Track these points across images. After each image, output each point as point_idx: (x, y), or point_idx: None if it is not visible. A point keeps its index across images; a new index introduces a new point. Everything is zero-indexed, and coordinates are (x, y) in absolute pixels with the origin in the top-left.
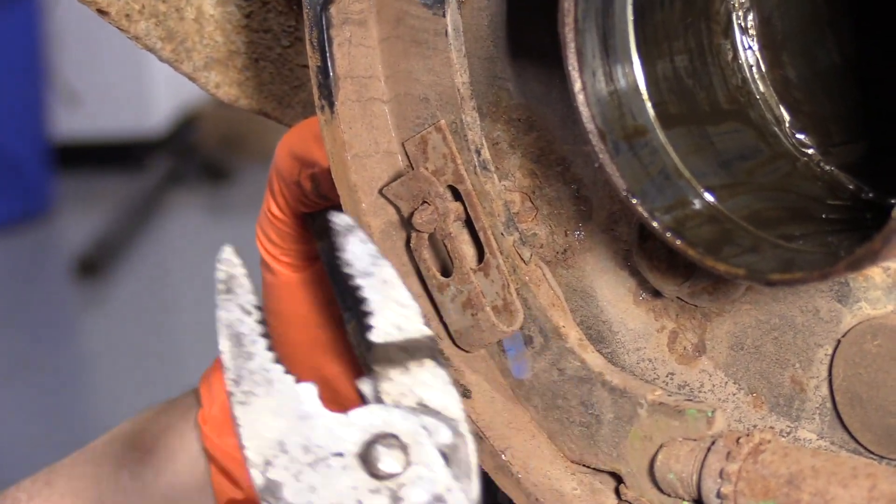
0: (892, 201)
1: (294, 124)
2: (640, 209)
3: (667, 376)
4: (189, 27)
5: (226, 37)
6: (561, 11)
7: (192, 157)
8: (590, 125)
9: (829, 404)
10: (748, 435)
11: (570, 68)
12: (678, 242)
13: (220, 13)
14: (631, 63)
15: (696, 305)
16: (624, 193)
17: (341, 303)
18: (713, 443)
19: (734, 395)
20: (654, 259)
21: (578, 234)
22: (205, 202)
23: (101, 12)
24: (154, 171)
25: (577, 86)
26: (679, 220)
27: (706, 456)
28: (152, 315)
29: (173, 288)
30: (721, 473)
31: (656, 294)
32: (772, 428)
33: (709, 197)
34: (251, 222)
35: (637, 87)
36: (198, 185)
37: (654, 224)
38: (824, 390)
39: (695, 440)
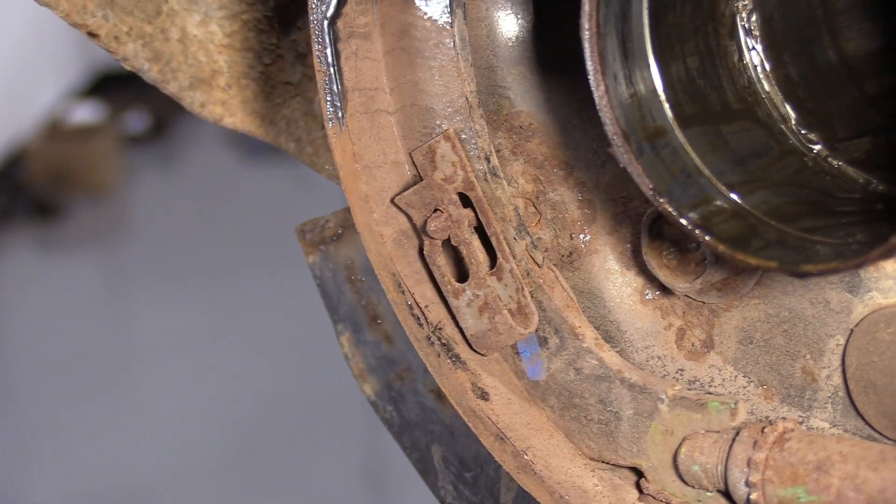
0: None
1: (278, 141)
2: (667, 207)
3: (677, 372)
4: (174, 48)
5: (208, 56)
6: (582, 17)
7: (20, 194)
8: (614, 127)
9: (841, 393)
10: (772, 424)
11: (593, 72)
12: (708, 238)
13: (202, 33)
14: (648, 66)
15: (703, 302)
16: (651, 192)
17: (331, 316)
18: (737, 434)
19: (744, 388)
20: (665, 257)
21: (584, 237)
22: (35, 239)
23: (92, 35)
24: None
25: (601, 89)
26: (705, 216)
27: (731, 446)
28: None
29: (6, 328)
30: (748, 463)
31: (663, 292)
32: (784, 419)
33: (730, 194)
34: (84, 258)
35: (655, 88)
36: (27, 222)
37: (683, 221)
38: (836, 379)
39: (717, 432)
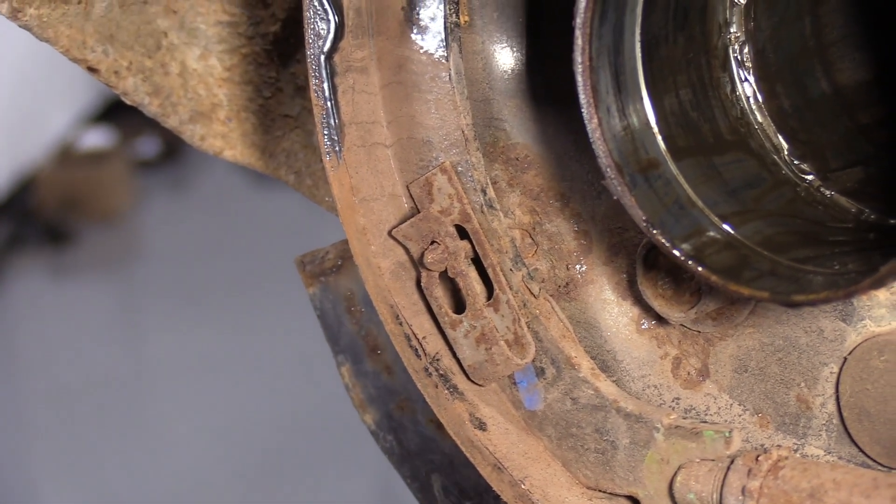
0: (893, 221)
1: (278, 174)
2: (661, 239)
3: (673, 401)
4: (174, 82)
5: (208, 90)
6: (575, 50)
7: (31, 220)
8: (607, 160)
9: (835, 420)
10: (766, 452)
11: (586, 105)
12: (700, 269)
13: (202, 67)
14: (641, 98)
15: (698, 331)
16: (644, 224)
17: (332, 347)
18: (732, 462)
19: (740, 416)
20: (660, 287)
21: (580, 268)
22: (47, 265)
23: (92, 70)
24: None
25: (594, 122)
26: (698, 247)
27: (726, 475)
28: None
29: (20, 354)
30: (743, 490)
31: (658, 322)
32: (779, 446)
33: (723, 225)
34: (95, 283)
35: (647, 121)
36: (39, 248)
37: (676, 253)
38: (830, 407)
39: (712, 460)
